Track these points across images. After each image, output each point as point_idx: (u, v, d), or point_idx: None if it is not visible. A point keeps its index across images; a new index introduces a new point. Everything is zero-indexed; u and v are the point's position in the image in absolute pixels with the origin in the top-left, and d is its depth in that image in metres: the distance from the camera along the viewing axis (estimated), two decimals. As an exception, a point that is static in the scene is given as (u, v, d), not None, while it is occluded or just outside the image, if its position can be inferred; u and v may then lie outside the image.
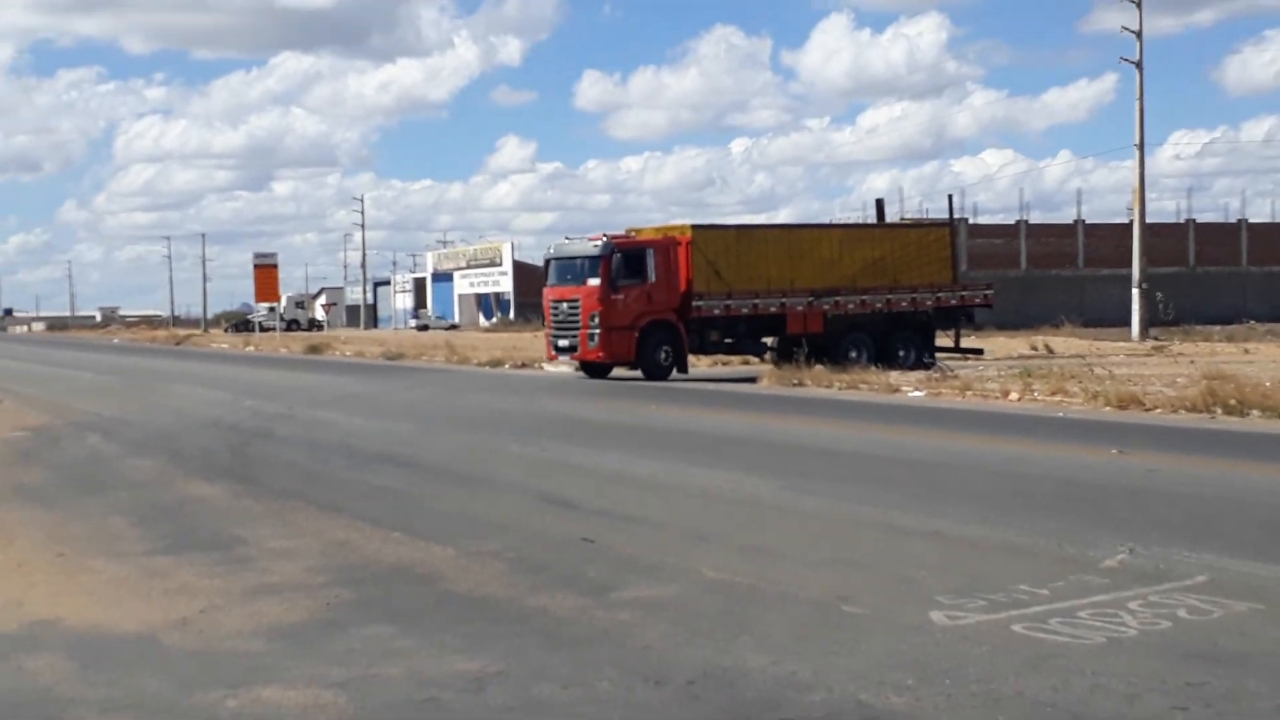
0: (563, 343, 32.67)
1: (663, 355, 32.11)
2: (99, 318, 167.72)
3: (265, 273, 73.22)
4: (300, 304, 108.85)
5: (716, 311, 32.87)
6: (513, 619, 8.54)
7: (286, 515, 13.06)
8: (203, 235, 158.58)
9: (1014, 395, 25.07)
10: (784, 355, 33.35)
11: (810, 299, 34.01)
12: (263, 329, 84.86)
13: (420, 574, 10.08)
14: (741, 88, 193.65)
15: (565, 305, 32.37)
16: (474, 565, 10.29)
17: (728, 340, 34.11)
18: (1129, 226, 55.93)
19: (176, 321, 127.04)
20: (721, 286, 32.80)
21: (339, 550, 11.09)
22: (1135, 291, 52.97)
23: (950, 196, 40.10)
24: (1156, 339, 48.54)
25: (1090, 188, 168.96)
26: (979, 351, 37.85)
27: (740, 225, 38.07)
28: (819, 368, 31.05)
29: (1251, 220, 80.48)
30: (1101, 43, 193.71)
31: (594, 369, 32.74)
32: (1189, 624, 7.87)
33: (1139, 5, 51.75)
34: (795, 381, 30.73)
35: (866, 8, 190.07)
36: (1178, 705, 6.28)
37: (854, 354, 33.57)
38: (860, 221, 42.42)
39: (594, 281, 31.51)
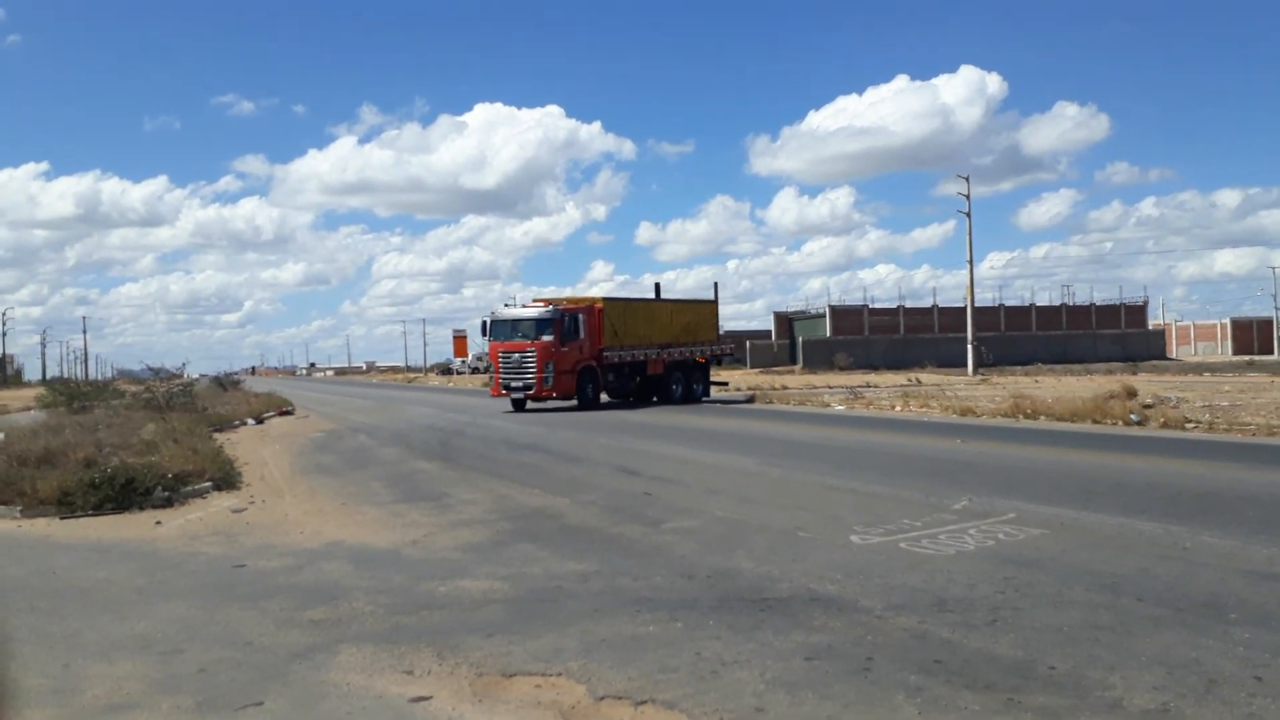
0: (516, 384, 28.19)
1: (590, 390, 28.92)
2: (364, 367, 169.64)
3: (460, 340, 76.25)
4: (480, 358, 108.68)
5: (614, 360, 29.68)
6: (604, 540, 8.76)
7: (471, 479, 13.37)
8: (423, 320, 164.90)
9: (898, 408, 24.93)
10: (642, 394, 31.24)
11: (659, 350, 30.91)
12: (458, 373, 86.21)
13: (549, 514, 10.32)
14: (732, 230, 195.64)
15: (518, 356, 28.03)
16: (580, 508, 10.53)
17: (614, 381, 30.22)
18: (964, 308, 55.57)
19: (408, 369, 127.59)
20: (616, 342, 29.64)
21: (502, 500, 11.36)
22: (969, 346, 52.68)
23: (716, 284, 34.76)
24: (983, 375, 48.02)
25: (941, 286, 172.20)
26: (724, 384, 35.59)
27: (625, 298, 32.76)
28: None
29: (1037, 304, 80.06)
30: (947, 201, 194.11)
31: (521, 403, 28.76)
32: (1005, 542, 7.97)
33: (968, 180, 52.40)
34: (767, 400, 30.68)
35: (805, 183, 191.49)
36: (998, 590, 6.40)
37: (676, 388, 31.26)
38: (679, 298, 37.26)
39: (547, 337, 27.79)
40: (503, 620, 6.19)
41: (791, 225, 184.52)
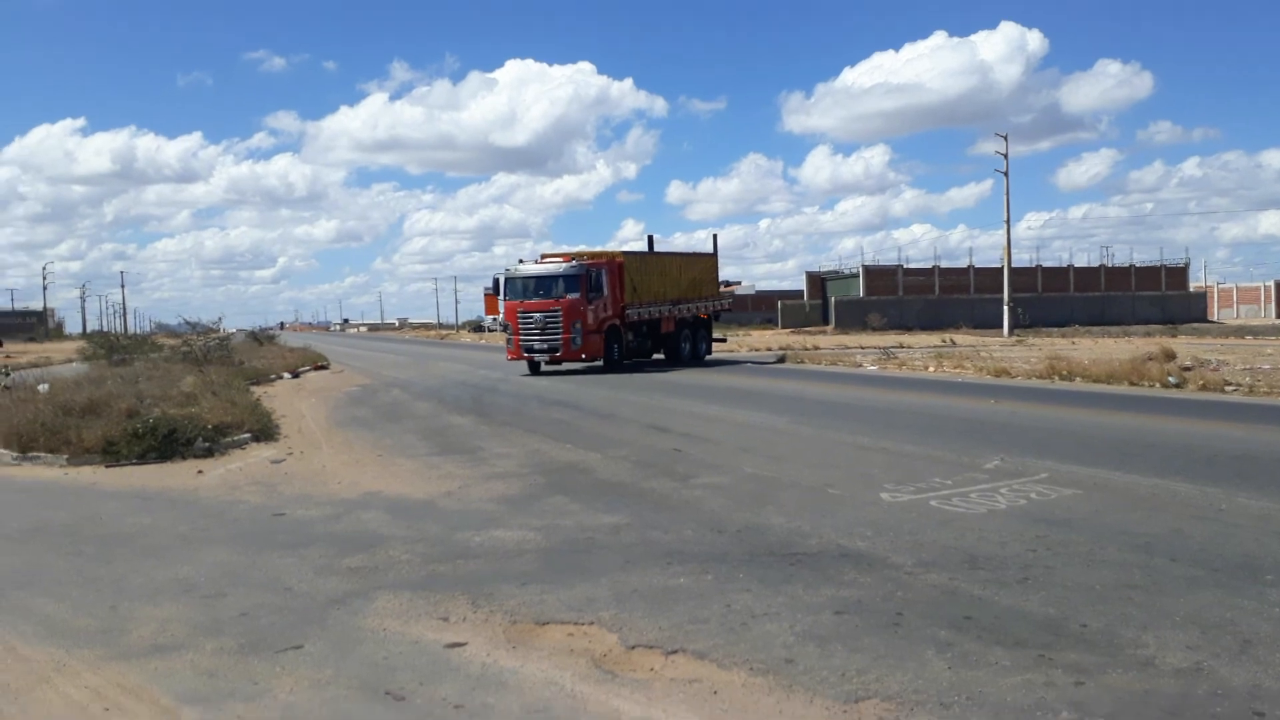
0: (539, 346, 25.79)
1: (616, 351, 26.82)
2: (397, 324, 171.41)
3: (490, 298, 76.27)
4: (497, 318, 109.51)
5: (634, 318, 27.66)
6: (635, 494, 8.82)
7: (505, 434, 13.49)
8: (454, 277, 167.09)
9: (931, 369, 24.71)
10: (654, 353, 29.64)
11: (671, 306, 29.22)
12: (490, 330, 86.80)
13: (581, 468, 10.40)
14: (764, 189, 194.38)
15: (540, 315, 25.67)
16: (611, 463, 10.60)
17: (633, 340, 28.00)
18: (1001, 269, 54.80)
19: (441, 326, 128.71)
20: (635, 299, 27.53)
21: (535, 454, 11.45)
22: (1005, 308, 52.05)
23: (715, 235, 33.72)
24: (1019, 337, 47.46)
25: (978, 246, 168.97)
26: (723, 340, 34.72)
27: (642, 252, 30.37)
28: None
29: (1075, 266, 78.68)
30: (984, 161, 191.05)
31: (537, 366, 26.37)
32: (1037, 502, 7.93)
33: (1005, 139, 51.34)
34: (799, 360, 30.58)
35: (840, 141, 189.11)
36: (1029, 549, 6.39)
37: (685, 346, 29.85)
38: (682, 251, 34.41)
39: (573, 294, 25.52)
40: (536, 570, 6.28)
41: (825, 184, 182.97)
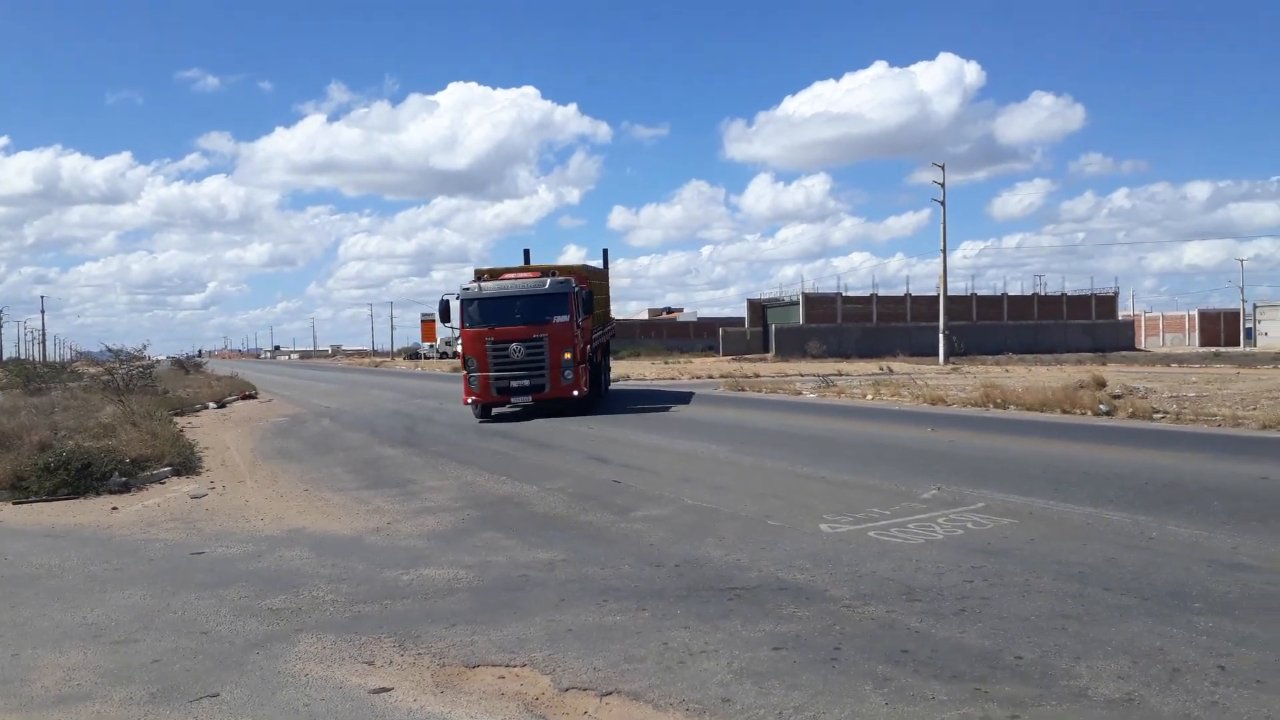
0: (519, 384, 20.28)
1: (600, 385, 23.57)
2: (329, 350, 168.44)
3: (428, 324, 75.83)
4: (448, 342, 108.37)
5: (596, 344, 23.58)
6: (572, 528, 8.72)
7: (438, 466, 13.32)
8: (391, 303, 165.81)
9: (870, 396, 25.06)
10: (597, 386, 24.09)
11: (601, 331, 25.08)
12: (426, 357, 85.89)
13: (517, 501, 10.28)
14: (707, 216, 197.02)
15: (521, 346, 20.18)
16: (548, 496, 10.49)
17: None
18: (937, 297, 56.04)
19: (375, 353, 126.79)
20: (594, 323, 23.05)
21: (469, 487, 11.31)
22: (941, 336, 53.15)
23: (605, 251, 27.79)
24: (954, 364, 48.45)
25: (915, 275, 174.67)
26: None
27: (597, 267, 26.60)
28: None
29: (1009, 294, 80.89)
30: (922, 190, 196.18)
31: (488, 409, 20.89)
32: (974, 531, 8.05)
33: (943, 169, 52.60)
34: (739, 388, 30.77)
35: (781, 169, 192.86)
36: (966, 579, 6.46)
37: (605, 377, 26.53)
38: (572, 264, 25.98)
39: (561, 318, 20.32)
40: (467, 609, 6.14)
41: (766, 212, 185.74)
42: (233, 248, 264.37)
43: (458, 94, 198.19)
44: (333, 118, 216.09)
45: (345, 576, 7.12)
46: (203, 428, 19.79)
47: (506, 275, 21.83)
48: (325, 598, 6.54)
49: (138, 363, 27.57)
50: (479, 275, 22.03)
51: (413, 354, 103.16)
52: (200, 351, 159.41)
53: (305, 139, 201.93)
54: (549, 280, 20.91)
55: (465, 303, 20.71)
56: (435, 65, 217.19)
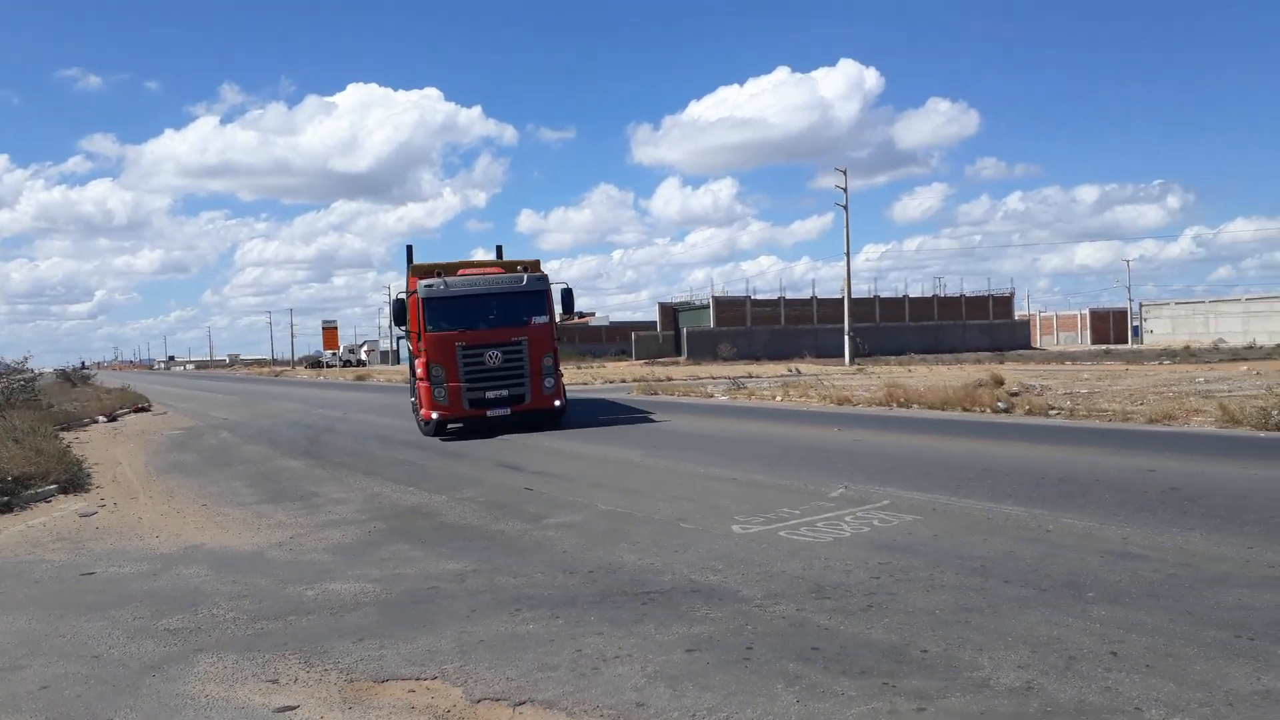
0: (496, 394, 17.93)
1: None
2: (227, 360, 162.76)
3: (329, 332, 73.93)
4: (352, 350, 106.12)
5: None
6: (483, 537, 8.64)
7: (342, 478, 13.03)
8: (290, 310, 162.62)
9: (779, 398, 25.43)
10: None
11: None
12: (328, 366, 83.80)
13: (426, 512, 10.14)
14: (616, 219, 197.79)
15: (498, 351, 17.82)
16: (459, 506, 10.37)
17: None
18: (842, 300, 57.40)
19: (275, 362, 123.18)
20: None
21: (375, 499, 11.11)
22: (846, 338, 54.41)
23: (499, 247, 23.29)
24: (859, 365, 49.66)
25: (820, 278, 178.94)
26: None
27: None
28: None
29: (911, 296, 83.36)
30: (825, 194, 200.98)
31: (442, 425, 18.15)
32: (880, 529, 8.22)
33: (845, 173, 53.93)
34: (652, 391, 30.90)
35: (688, 174, 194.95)
36: (873, 576, 6.62)
37: None
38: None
39: (540, 319, 18.28)
40: (375, 624, 6.03)
41: (675, 216, 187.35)
42: (121, 254, 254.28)
43: (357, 95, 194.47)
44: (226, 120, 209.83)
45: (246, 593, 6.93)
46: (92, 443, 18.95)
47: (464, 271, 19.03)
48: (225, 616, 6.35)
49: (18, 376, 26.24)
50: (428, 271, 19.20)
51: (315, 363, 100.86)
52: (84, 364, 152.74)
53: (197, 141, 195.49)
54: (525, 276, 18.54)
55: (429, 302, 17.75)
56: (333, 66, 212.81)
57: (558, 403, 18.58)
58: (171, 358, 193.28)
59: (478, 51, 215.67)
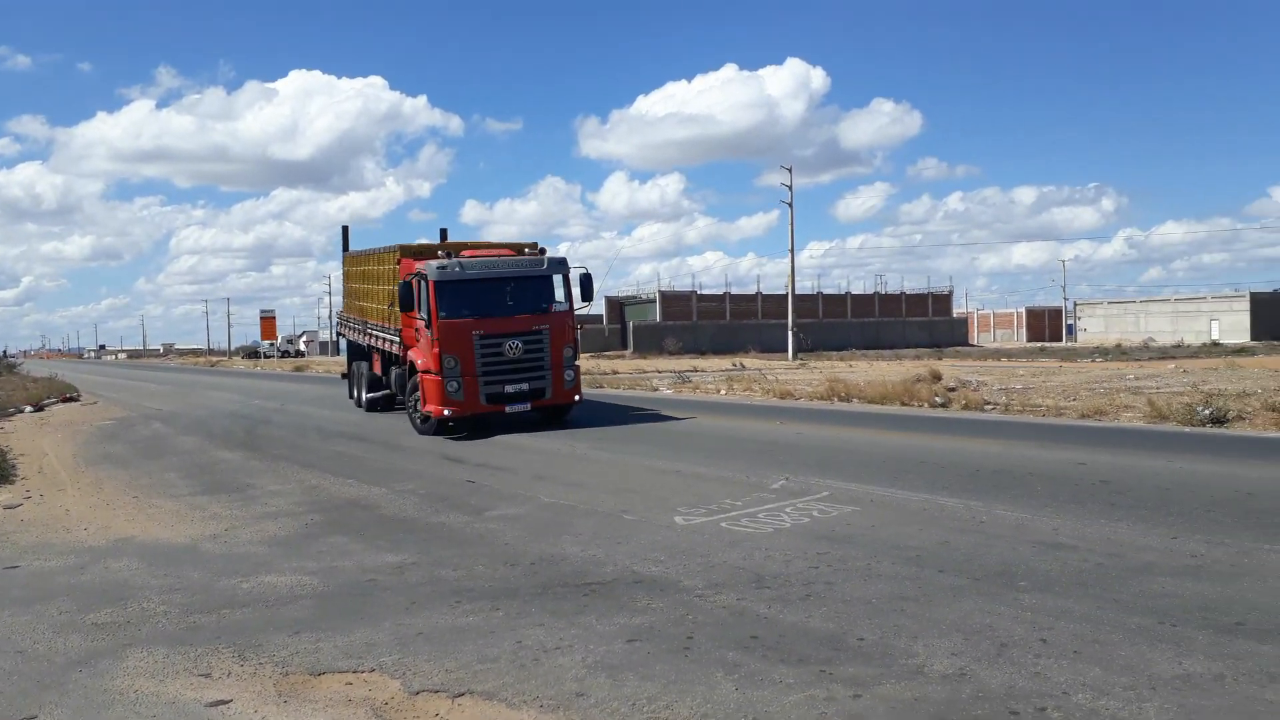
0: (517, 387, 16.33)
1: None
2: (161, 350, 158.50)
3: (267, 321, 72.27)
4: (290, 340, 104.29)
5: None
6: (423, 530, 8.57)
7: (279, 470, 12.81)
8: (228, 299, 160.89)
9: (723, 391, 25.65)
10: None
11: None
12: (266, 356, 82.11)
13: (364, 504, 10.02)
14: (563, 212, 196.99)
15: (519, 341, 16.27)
16: (399, 498, 10.26)
17: None
18: (786, 296, 58.00)
19: (211, 352, 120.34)
20: None
21: (313, 491, 10.95)
22: (790, 333, 55.00)
23: (444, 230, 22.91)
24: (802, 360, 50.21)
25: (765, 274, 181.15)
26: None
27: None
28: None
29: (853, 293, 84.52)
30: (771, 192, 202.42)
31: (443, 424, 16.15)
32: (820, 519, 8.34)
33: (790, 171, 54.40)
34: (597, 385, 30.87)
35: (636, 168, 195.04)
36: (812, 566, 6.72)
37: None
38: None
39: (560, 306, 16.92)
40: (311, 616, 5.94)
41: (622, 210, 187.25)
42: (50, 240, 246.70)
43: (299, 82, 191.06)
44: (162, 104, 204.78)
45: (179, 586, 6.79)
46: (16, 434, 18.37)
47: (469, 252, 17.26)
48: (157, 609, 6.21)
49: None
50: (419, 252, 17.73)
51: (252, 353, 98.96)
52: (7, 352, 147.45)
53: (131, 125, 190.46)
54: (545, 258, 17.17)
55: (442, 286, 16.07)
56: (274, 52, 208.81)
57: (578, 397, 17.24)
58: (102, 346, 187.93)
59: (424, 41, 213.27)
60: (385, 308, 18.70)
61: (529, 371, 16.45)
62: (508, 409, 16.39)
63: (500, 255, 17.40)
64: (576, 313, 17.18)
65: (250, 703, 4.59)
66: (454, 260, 16.39)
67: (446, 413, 15.89)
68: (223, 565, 7.40)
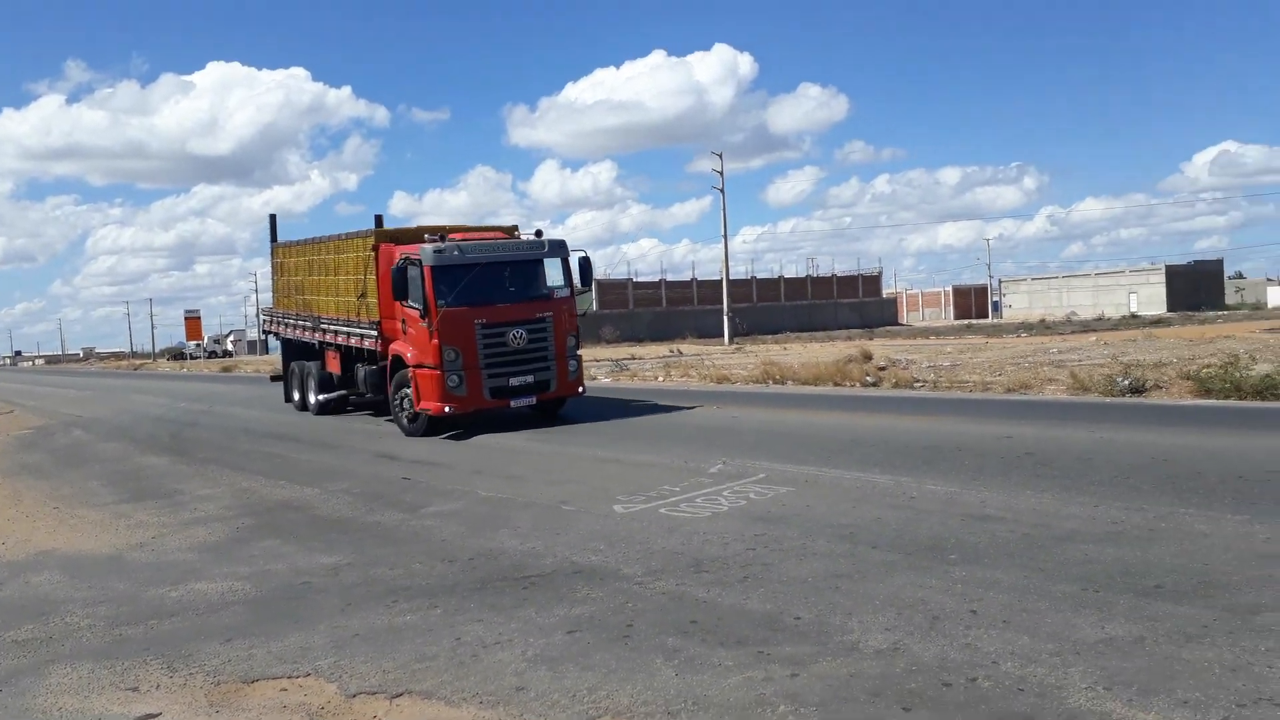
0: (522, 380, 15.10)
1: None
2: (81, 354, 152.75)
3: (192, 322, 70.03)
4: (217, 340, 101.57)
5: None
6: (357, 530, 8.46)
7: (208, 474, 12.51)
8: (150, 300, 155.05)
9: (661, 378, 25.71)
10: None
11: None
12: (192, 357, 79.96)
13: (297, 506, 9.86)
14: (494, 202, 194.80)
15: (523, 330, 15.05)
16: (332, 498, 10.11)
17: None
18: (721, 281, 58.36)
19: (134, 355, 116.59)
20: None
21: (244, 494, 10.73)
22: (725, 318, 55.39)
23: (379, 217, 18.33)
24: (738, 344, 50.62)
25: (700, 260, 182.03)
26: None
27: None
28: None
29: (786, 276, 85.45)
30: (703, 178, 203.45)
31: (437, 424, 15.00)
32: (756, 501, 8.42)
33: (721, 157, 54.69)
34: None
35: (567, 156, 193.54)
36: (749, 548, 6.80)
37: None
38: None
39: (562, 292, 15.88)
40: (244, 623, 5.82)
41: (555, 198, 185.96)
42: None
43: (218, 74, 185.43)
44: (72, 99, 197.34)
45: (104, 598, 6.63)
46: (-73, 446, 17.62)
47: (457, 235, 15.73)
48: (80, 623, 6.03)
49: None
50: (396, 236, 16.27)
51: (177, 354, 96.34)
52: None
53: (40, 122, 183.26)
54: (546, 241, 15.94)
55: (439, 271, 14.63)
56: (190, 43, 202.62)
57: (581, 389, 16.17)
58: (18, 353, 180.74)
59: (347, 31, 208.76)
60: (352, 299, 16.91)
61: (533, 363, 15.23)
62: (512, 403, 15.26)
63: (493, 238, 16.03)
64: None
65: (180, 714, 4.49)
66: (450, 244, 14.93)
67: (447, 410, 14.59)
68: (150, 574, 7.23)
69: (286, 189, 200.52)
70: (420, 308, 14.70)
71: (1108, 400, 14.99)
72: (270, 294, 23.10)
